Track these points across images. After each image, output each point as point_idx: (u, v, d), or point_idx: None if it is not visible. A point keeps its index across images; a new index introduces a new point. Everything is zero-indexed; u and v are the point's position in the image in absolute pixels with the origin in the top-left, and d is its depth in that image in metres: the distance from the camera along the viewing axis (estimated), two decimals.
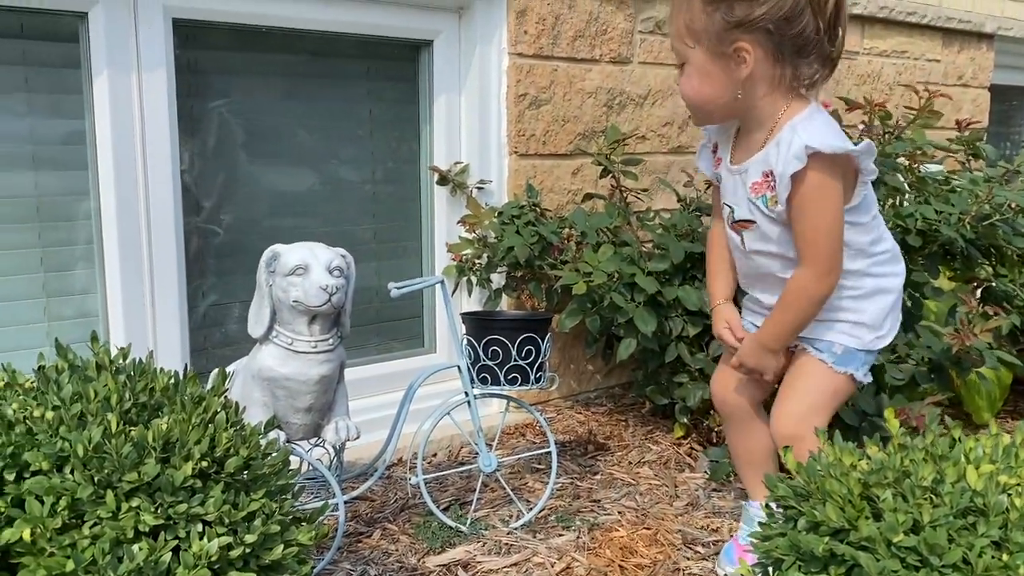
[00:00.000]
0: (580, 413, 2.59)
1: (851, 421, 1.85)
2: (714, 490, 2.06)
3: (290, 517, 1.12)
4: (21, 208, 1.95)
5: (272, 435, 1.15)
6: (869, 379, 1.58)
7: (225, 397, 1.17)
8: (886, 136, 2.04)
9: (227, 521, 1.00)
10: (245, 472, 1.08)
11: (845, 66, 3.32)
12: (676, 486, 2.07)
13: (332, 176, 2.40)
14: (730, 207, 1.52)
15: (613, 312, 2.09)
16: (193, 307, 2.19)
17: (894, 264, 1.56)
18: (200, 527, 0.99)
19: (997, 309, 1.80)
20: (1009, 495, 0.91)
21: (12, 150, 1.92)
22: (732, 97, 1.42)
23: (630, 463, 2.22)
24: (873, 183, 2.06)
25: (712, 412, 2.21)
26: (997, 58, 4.05)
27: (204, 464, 1.02)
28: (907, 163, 2.13)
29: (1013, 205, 1.84)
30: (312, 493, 1.97)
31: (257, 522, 1.03)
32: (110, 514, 0.95)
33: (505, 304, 2.49)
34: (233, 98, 2.21)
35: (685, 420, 2.26)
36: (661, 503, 1.99)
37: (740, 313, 1.65)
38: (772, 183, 1.42)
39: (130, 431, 1.01)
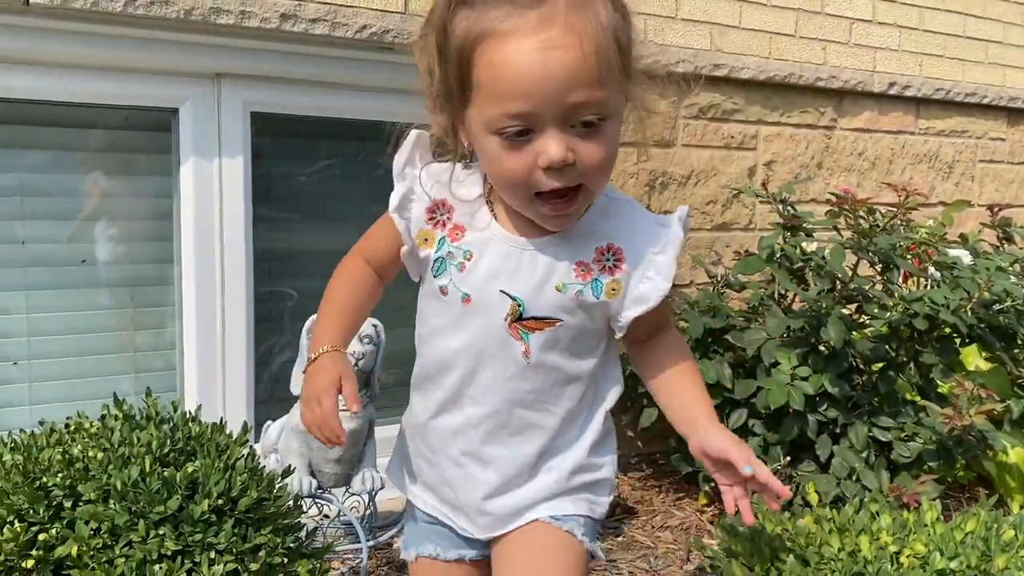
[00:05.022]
0: (616, 477, 2.71)
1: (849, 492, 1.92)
2: None
3: (297, 551, 1.32)
4: (115, 273, 2.26)
5: (286, 481, 1.35)
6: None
7: (250, 446, 1.38)
8: (894, 222, 2.12)
9: (235, 551, 1.20)
10: (257, 510, 1.28)
11: (899, 145, 3.39)
12: (690, 551, 2.17)
13: None
14: (512, 298, 1.08)
15: (636, 382, 2.22)
16: (265, 363, 2.45)
17: None
18: (212, 555, 1.19)
19: (991, 392, 1.85)
20: (897, 560, 1.02)
21: (113, 223, 2.24)
22: None
23: (653, 527, 2.32)
24: (886, 265, 2.15)
25: None
26: None
27: (220, 502, 1.23)
28: (927, 248, 2.20)
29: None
30: (349, 537, 2.16)
31: (262, 553, 1.23)
32: (140, 539, 1.17)
33: None
34: (296, 169, 2.50)
35: (707, 488, 2.35)
36: (672, 567, 2.09)
37: (411, 461, 1.23)
38: (611, 266, 1.10)
39: (163, 472, 1.23)
